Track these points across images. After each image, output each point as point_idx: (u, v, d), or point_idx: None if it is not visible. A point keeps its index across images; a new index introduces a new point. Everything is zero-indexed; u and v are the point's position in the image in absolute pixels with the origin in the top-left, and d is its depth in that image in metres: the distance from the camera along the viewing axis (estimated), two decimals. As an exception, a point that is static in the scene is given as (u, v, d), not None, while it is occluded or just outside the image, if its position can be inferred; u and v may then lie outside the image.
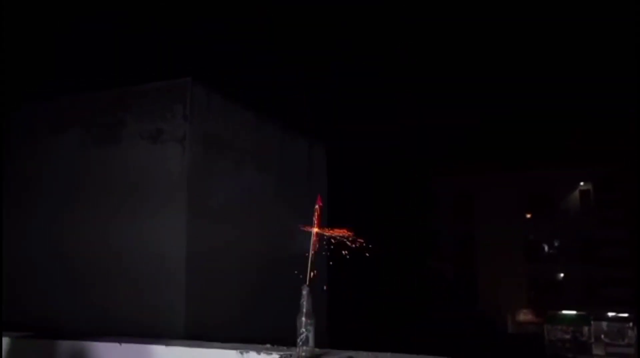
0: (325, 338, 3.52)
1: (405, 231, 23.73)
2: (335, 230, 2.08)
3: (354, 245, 2.07)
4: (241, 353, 2.11)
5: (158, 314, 3.10)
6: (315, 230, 1.99)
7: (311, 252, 1.98)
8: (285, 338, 2.13)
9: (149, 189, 3.90)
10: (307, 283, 1.94)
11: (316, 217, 2.03)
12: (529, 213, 28.53)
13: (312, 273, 1.97)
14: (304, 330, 1.88)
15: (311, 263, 1.97)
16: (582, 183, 28.65)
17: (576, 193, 28.80)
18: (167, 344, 2.28)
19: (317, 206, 2.05)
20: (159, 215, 3.75)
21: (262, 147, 5.27)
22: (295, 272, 2.03)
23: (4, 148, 3.59)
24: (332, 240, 2.08)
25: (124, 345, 2.34)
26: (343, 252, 2.08)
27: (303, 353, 1.89)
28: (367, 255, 2.06)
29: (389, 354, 2.02)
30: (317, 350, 1.95)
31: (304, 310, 1.91)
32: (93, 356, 2.37)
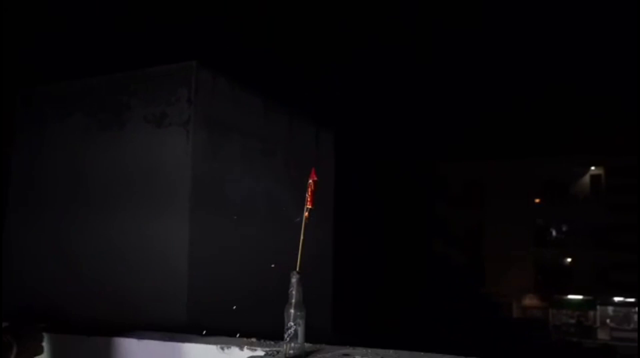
0: (329, 332, 3.50)
1: (413, 216, 23.68)
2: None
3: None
4: (222, 348, 1.97)
5: (159, 305, 3.09)
6: (307, 206, 1.81)
7: (302, 233, 1.79)
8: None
9: (152, 174, 3.88)
10: (297, 269, 1.75)
11: (309, 193, 1.84)
12: (538, 198, 28.28)
13: (303, 258, 1.79)
14: (292, 323, 1.69)
15: (302, 246, 1.79)
16: (593, 168, 28.26)
17: (587, 178, 28.44)
18: (139, 337, 2.17)
19: (310, 181, 1.87)
20: (163, 200, 3.73)
21: (269, 132, 5.21)
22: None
23: (9, 134, 3.56)
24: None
25: (91, 338, 2.21)
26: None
27: (291, 351, 1.71)
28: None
29: (391, 351, 1.84)
30: (308, 345, 1.78)
31: (293, 301, 1.71)
32: (61, 347, 2.24)
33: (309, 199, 1.84)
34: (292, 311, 1.68)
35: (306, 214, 1.81)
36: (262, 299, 3.36)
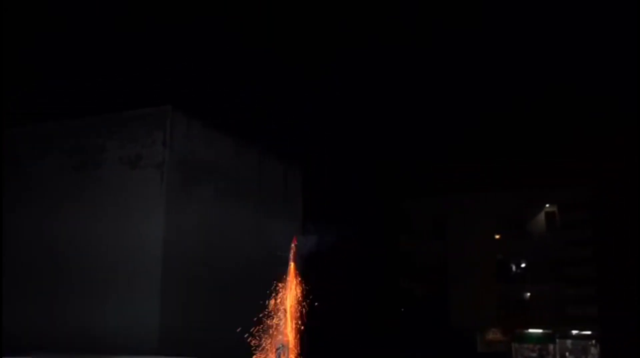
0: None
1: (378, 252, 23.98)
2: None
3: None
4: None
5: (132, 330, 3.24)
6: (291, 263, 2.29)
7: (288, 311, 2.24)
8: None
9: (127, 212, 4.06)
10: (286, 339, 2.22)
11: (292, 256, 2.36)
12: (498, 234, 29.20)
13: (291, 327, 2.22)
14: None
15: (290, 315, 2.23)
16: (547, 205, 29.53)
17: (542, 215, 29.64)
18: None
19: (292, 245, 2.38)
20: (137, 238, 3.90)
21: (240, 172, 5.48)
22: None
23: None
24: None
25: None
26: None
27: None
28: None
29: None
30: None
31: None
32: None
33: (292, 257, 2.36)
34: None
35: (289, 290, 2.27)
36: (227, 319, 3.47)
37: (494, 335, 26.94)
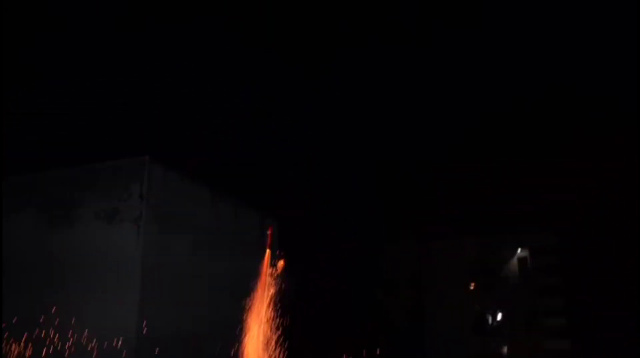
0: None
1: (356, 306, 23.52)
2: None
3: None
4: None
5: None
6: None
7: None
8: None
9: (103, 271, 3.94)
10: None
11: (268, 243, 2.38)
12: (472, 284, 29.13)
13: None
14: None
15: None
16: (519, 250, 29.77)
17: (514, 261, 29.82)
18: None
19: (268, 233, 2.44)
20: (113, 297, 3.78)
21: (217, 223, 5.41)
22: None
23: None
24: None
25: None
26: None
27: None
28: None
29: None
30: None
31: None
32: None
33: (268, 241, 2.38)
34: None
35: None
36: None
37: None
